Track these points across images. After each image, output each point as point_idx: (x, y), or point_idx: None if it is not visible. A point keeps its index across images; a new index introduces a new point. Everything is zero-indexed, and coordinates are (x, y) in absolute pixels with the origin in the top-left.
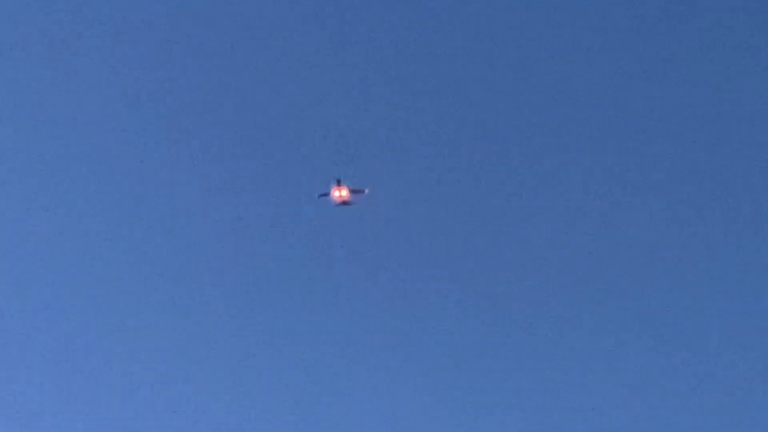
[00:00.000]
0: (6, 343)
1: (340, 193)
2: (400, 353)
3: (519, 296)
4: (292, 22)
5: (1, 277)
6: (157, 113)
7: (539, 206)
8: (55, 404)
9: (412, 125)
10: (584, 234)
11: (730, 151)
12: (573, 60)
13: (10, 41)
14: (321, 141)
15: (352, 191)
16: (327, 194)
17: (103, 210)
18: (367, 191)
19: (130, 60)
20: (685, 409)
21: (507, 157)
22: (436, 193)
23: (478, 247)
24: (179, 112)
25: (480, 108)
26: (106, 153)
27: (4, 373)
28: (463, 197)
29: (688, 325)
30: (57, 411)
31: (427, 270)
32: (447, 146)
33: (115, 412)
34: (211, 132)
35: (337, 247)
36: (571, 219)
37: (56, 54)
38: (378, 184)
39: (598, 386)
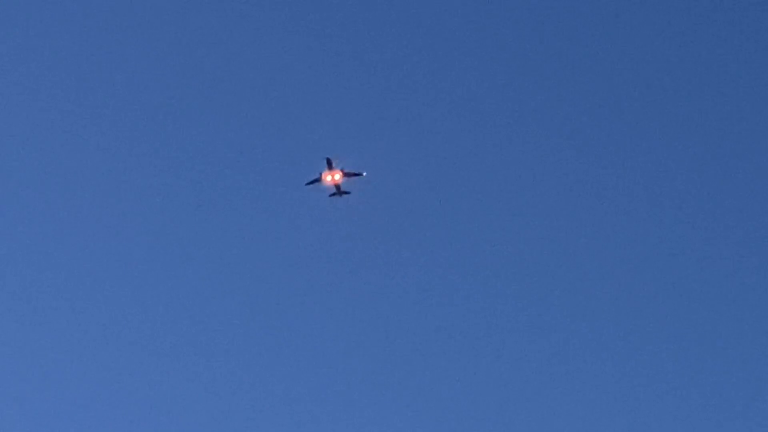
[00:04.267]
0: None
1: (332, 177)
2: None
3: (523, 285)
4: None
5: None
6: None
7: (543, 196)
8: (53, 404)
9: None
10: (583, 228)
11: (730, 151)
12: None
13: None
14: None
15: (347, 174)
16: (317, 180)
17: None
18: (364, 174)
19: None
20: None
21: (513, 137)
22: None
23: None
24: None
25: (480, 90)
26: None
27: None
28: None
29: (687, 326)
30: (56, 411)
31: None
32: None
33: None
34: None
35: (331, 243)
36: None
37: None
38: (377, 167)
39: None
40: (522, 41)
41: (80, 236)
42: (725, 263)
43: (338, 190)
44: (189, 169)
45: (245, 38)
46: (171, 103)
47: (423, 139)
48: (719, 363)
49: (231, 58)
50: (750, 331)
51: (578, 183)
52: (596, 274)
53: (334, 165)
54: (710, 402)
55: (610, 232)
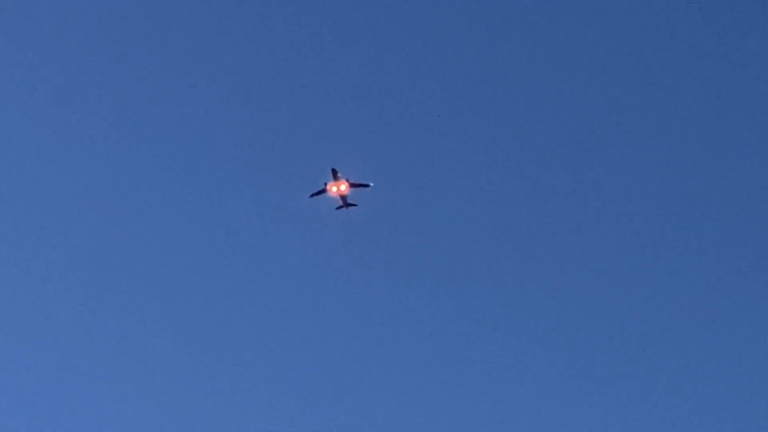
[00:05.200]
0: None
1: (338, 188)
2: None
3: (526, 296)
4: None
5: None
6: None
7: (548, 207)
8: (53, 404)
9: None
10: (585, 236)
11: (730, 152)
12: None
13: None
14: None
15: (353, 185)
16: (322, 191)
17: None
18: (371, 185)
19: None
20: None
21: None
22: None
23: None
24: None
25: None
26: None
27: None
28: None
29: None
30: (56, 411)
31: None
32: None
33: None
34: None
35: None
36: (575, 219)
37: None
38: (384, 177)
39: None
40: (531, 52)
41: (90, 249)
42: (724, 264)
43: (344, 203)
44: (194, 181)
45: (250, 48)
46: (175, 113)
47: (432, 148)
48: (718, 364)
49: (235, 67)
50: (750, 332)
51: (583, 193)
52: (593, 284)
53: (339, 175)
54: (710, 402)
55: (608, 242)
